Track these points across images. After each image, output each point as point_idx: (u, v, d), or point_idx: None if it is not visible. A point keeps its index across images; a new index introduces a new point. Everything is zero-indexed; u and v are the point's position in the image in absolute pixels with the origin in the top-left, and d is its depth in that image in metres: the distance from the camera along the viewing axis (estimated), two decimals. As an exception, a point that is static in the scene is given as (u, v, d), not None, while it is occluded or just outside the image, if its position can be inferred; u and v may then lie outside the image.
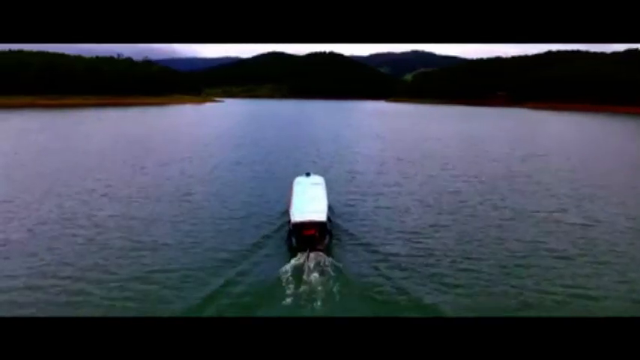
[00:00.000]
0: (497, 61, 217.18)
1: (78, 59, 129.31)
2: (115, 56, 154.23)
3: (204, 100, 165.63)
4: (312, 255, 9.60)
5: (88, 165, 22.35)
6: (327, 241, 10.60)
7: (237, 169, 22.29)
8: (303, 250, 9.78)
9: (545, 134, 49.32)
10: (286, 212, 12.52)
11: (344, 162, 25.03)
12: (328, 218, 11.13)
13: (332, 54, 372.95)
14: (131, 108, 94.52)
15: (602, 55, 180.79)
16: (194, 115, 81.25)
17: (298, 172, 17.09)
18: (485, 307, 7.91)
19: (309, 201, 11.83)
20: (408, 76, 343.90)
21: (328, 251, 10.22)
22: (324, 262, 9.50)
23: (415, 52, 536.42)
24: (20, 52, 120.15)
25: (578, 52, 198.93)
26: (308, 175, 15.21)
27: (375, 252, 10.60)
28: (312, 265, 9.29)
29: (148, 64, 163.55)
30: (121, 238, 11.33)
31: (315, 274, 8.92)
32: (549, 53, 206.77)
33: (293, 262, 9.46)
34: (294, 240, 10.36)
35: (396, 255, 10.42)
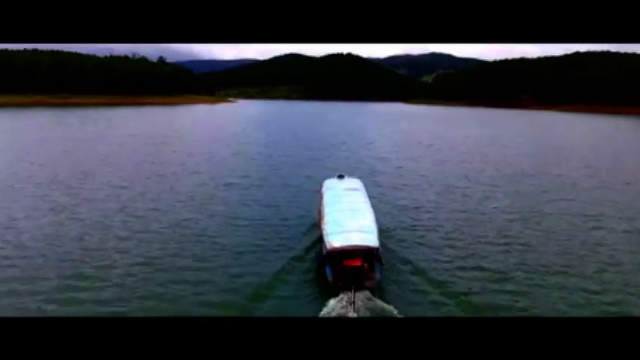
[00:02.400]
0: (521, 62, 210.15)
1: (90, 58, 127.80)
2: (130, 56, 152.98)
3: (218, 101, 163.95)
4: (358, 296, 6.59)
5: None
6: (377, 275, 7.23)
7: (240, 181, 18.05)
8: (345, 288, 6.80)
9: (621, 144, 39.26)
10: (316, 227, 9.17)
11: (386, 174, 20.49)
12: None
13: (349, 55, 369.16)
14: (141, 107, 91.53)
15: (634, 55, 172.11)
16: (204, 114, 78.23)
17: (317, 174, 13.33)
18: None
19: (349, 215, 8.37)
20: (427, 78, 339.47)
21: (380, 290, 7.16)
22: (377, 308, 6.52)
23: (433, 54, 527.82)
24: (34, 51, 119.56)
25: (608, 52, 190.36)
26: (341, 177, 11.52)
27: (454, 294, 7.11)
28: (358, 312, 6.22)
29: (161, 63, 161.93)
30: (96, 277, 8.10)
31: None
32: (577, 54, 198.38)
33: (330, 307, 6.47)
34: (329, 273, 7.23)
35: (481, 296, 7.20)
